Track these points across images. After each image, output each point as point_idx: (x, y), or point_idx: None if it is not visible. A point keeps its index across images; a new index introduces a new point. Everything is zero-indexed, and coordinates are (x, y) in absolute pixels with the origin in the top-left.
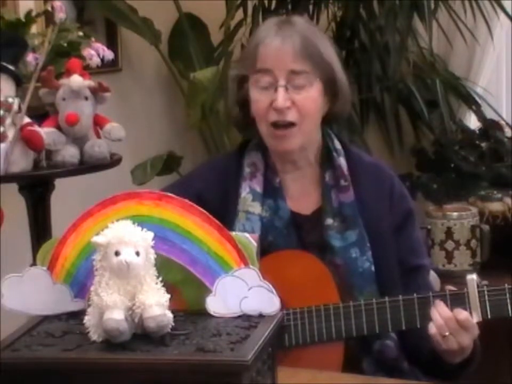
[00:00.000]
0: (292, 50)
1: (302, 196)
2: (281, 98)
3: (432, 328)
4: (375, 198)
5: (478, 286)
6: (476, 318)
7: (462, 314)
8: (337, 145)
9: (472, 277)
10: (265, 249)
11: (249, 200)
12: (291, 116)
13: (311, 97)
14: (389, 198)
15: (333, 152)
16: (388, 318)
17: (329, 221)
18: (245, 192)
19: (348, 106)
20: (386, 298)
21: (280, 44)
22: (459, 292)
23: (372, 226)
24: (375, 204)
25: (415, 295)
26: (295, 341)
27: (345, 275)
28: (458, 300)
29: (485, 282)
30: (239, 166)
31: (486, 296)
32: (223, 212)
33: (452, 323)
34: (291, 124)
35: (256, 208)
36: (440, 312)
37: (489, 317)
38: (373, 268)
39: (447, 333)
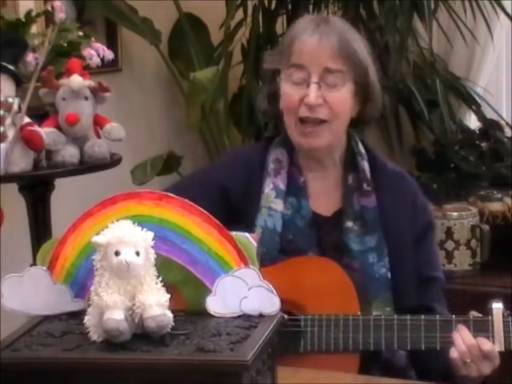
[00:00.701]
0: (329, 48)
1: (323, 196)
2: (314, 94)
3: (454, 353)
4: (396, 206)
5: (503, 316)
6: (497, 348)
7: (487, 345)
8: (362, 149)
9: (499, 306)
10: (284, 247)
11: (272, 196)
12: (322, 114)
13: (343, 97)
14: (411, 208)
15: (357, 156)
16: (408, 337)
17: (349, 224)
18: (268, 188)
19: (378, 111)
20: (408, 317)
21: (318, 41)
22: (483, 319)
23: (391, 234)
24: (397, 211)
25: (437, 316)
26: (310, 347)
27: (360, 279)
28: (481, 327)
29: (508, 312)
30: (264, 161)
31: (511, 327)
32: (245, 205)
33: (475, 351)
34: (321, 122)
35: (279, 205)
36: (463, 338)
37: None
38: (389, 275)
39: (468, 360)
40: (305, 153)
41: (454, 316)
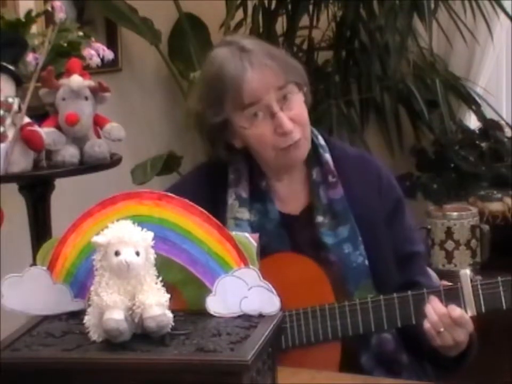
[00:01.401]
0: (270, 71)
1: (289, 196)
2: (286, 121)
3: (426, 324)
4: (363, 190)
5: (471, 281)
6: (470, 313)
7: (456, 311)
8: (321, 141)
9: (466, 272)
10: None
11: (236, 206)
12: (296, 134)
13: (299, 105)
14: (377, 189)
15: (319, 149)
16: (383, 316)
17: (320, 218)
18: (231, 199)
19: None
20: (381, 297)
21: (261, 72)
22: (453, 287)
23: (363, 220)
24: (364, 196)
25: (409, 292)
26: (291, 343)
27: (339, 271)
28: (452, 295)
29: (479, 277)
30: (224, 173)
31: (480, 290)
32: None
33: (446, 319)
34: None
35: (244, 213)
36: (434, 308)
37: (483, 310)
38: (366, 262)
39: (441, 329)
40: (285, 167)
41: (425, 289)
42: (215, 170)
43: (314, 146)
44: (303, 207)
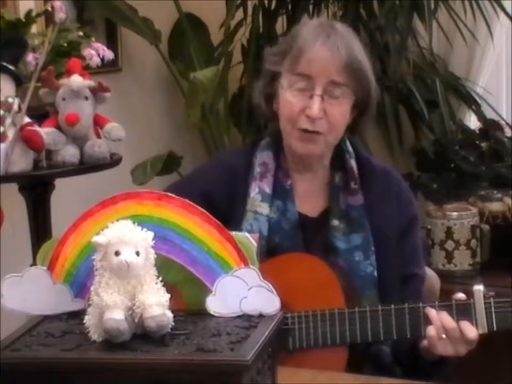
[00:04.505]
0: (339, 62)
1: (309, 197)
2: (317, 108)
3: (430, 331)
4: (382, 203)
5: (484, 297)
6: (481, 330)
7: (473, 333)
8: (349, 147)
9: (479, 288)
10: (271, 250)
11: (258, 200)
12: (320, 126)
13: (342, 110)
14: (396, 203)
15: (345, 154)
16: (393, 325)
17: (335, 222)
18: (254, 192)
19: (370, 122)
20: (392, 306)
21: (329, 53)
22: (465, 302)
23: (378, 231)
24: (383, 209)
25: (420, 303)
26: (299, 344)
27: (347, 277)
28: (464, 310)
29: (492, 293)
30: (249, 165)
31: (493, 308)
32: (231, 210)
33: (456, 333)
34: (318, 133)
35: (265, 208)
36: (442, 320)
37: (494, 329)
38: (375, 273)
39: (443, 336)
40: (296, 157)
41: (437, 302)
42: (240, 160)
43: (341, 151)
44: (321, 209)
